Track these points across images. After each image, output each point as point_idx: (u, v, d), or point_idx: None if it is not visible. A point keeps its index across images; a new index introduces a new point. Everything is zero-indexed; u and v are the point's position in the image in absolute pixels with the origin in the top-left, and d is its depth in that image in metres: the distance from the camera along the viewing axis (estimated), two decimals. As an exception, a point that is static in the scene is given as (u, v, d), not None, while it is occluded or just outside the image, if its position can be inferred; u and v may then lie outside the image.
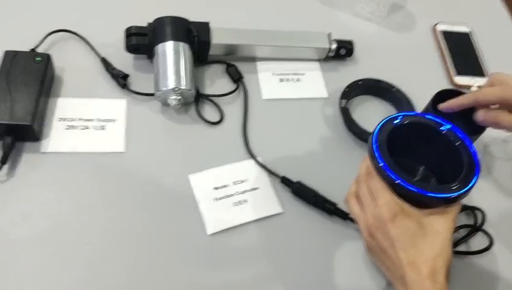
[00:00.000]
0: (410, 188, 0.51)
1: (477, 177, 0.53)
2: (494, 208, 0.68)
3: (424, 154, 0.59)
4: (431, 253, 0.50)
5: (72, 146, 0.65)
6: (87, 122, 0.67)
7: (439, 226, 0.52)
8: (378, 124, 0.56)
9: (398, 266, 0.51)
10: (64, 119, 0.67)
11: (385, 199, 0.52)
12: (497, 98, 0.59)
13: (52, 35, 0.73)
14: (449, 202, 0.52)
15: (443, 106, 0.63)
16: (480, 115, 0.60)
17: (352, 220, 0.63)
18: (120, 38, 0.72)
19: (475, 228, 0.65)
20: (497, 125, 0.59)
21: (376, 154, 0.53)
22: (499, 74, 0.60)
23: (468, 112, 0.71)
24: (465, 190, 0.52)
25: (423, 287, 0.49)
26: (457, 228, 0.65)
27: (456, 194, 0.51)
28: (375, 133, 0.55)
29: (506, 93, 0.58)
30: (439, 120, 0.57)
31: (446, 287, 0.50)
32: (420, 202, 0.52)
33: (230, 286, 0.58)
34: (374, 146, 0.53)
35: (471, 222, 0.67)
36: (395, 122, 0.56)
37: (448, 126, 0.57)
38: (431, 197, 0.51)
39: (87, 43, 0.74)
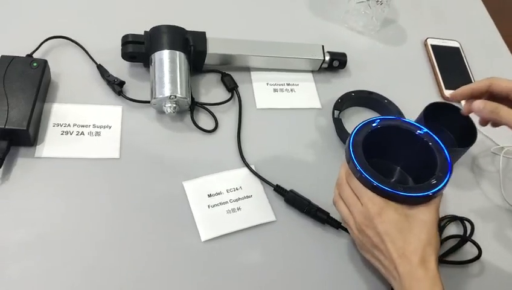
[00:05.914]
0: (388, 189, 0.53)
1: (450, 174, 0.55)
2: (482, 219, 0.70)
3: (401, 155, 0.62)
4: (419, 243, 0.52)
5: (66, 151, 0.65)
6: (82, 128, 0.67)
7: (424, 216, 0.54)
8: (353, 130, 0.58)
9: (389, 260, 0.53)
10: (59, 125, 0.67)
11: (368, 195, 0.54)
12: (510, 89, 0.59)
13: (49, 41, 0.74)
14: (429, 198, 0.54)
15: (455, 94, 0.63)
16: (479, 103, 0.59)
17: (344, 229, 0.64)
18: (116, 46, 0.73)
19: (464, 239, 0.67)
20: (495, 116, 0.58)
21: (354, 160, 0.55)
22: None
23: (457, 125, 0.73)
24: (442, 184, 0.54)
25: (416, 277, 0.51)
26: (447, 238, 0.66)
27: (434, 190, 0.54)
28: (351, 138, 0.57)
29: None
30: (415, 124, 0.60)
31: (438, 275, 0.51)
32: (401, 202, 0.54)
33: (223, 293, 0.59)
34: (351, 152, 0.56)
35: (460, 232, 0.68)
36: (374, 125, 0.59)
37: (425, 130, 0.59)
38: (410, 197, 0.53)
39: (84, 49, 0.75)
